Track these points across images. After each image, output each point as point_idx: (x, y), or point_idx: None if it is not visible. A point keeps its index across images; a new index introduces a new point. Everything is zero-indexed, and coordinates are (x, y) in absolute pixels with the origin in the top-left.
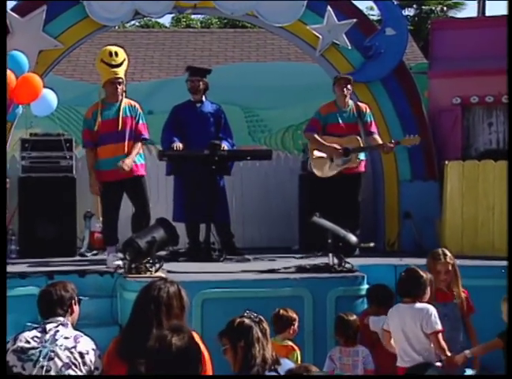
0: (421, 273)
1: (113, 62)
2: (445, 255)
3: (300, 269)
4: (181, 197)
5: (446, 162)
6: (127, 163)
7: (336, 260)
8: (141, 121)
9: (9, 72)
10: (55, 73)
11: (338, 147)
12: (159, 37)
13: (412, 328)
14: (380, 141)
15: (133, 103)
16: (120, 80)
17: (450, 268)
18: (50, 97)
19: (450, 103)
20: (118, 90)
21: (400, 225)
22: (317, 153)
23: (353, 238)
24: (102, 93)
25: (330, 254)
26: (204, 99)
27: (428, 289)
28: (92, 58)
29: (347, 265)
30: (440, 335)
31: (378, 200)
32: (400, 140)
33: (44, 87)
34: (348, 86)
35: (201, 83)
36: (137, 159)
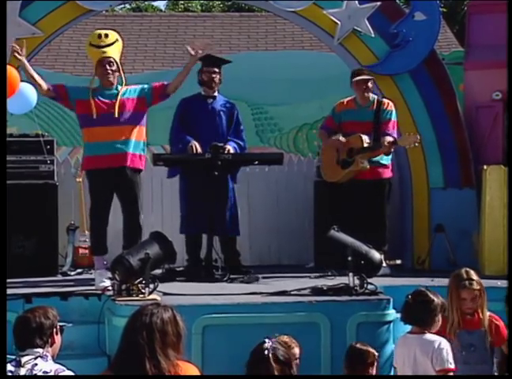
0: (431, 297)
1: (102, 43)
2: (471, 280)
3: (316, 291)
4: (183, 206)
5: (485, 166)
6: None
7: (357, 281)
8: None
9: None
10: (33, 63)
11: (342, 139)
12: (153, 22)
13: (422, 364)
14: (385, 142)
15: (133, 86)
16: (110, 59)
17: (477, 293)
18: (29, 92)
19: (490, 98)
20: (109, 71)
21: (431, 239)
22: (325, 153)
23: (377, 256)
24: (95, 83)
25: (350, 274)
26: (216, 94)
27: (439, 316)
28: (76, 46)
29: (369, 287)
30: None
31: (406, 210)
32: (397, 140)
33: (22, 81)
34: (369, 84)
35: (218, 75)
36: (139, 149)
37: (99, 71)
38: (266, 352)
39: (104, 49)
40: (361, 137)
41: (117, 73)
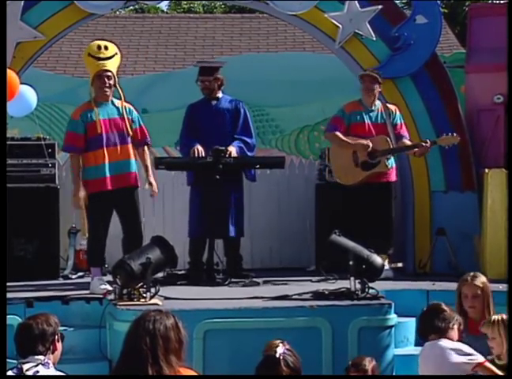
0: (445, 307)
1: (101, 55)
2: (474, 277)
3: (317, 295)
4: (191, 210)
5: (486, 170)
6: (155, 187)
7: (358, 285)
8: (142, 123)
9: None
10: (34, 65)
11: (365, 142)
12: (154, 23)
13: (439, 368)
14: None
15: (126, 104)
16: (109, 73)
17: (479, 292)
18: (29, 95)
19: (491, 101)
20: (107, 85)
21: (432, 243)
22: (338, 156)
23: (378, 260)
24: (92, 93)
25: (352, 278)
26: (220, 95)
27: (456, 326)
28: (78, 47)
29: (371, 291)
30: (488, 363)
31: (407, 213)
32: (436, 140)
33: (21, 83)
34: (376, 86)
35: (213, 82)
36: (132, 167)
37: (97, 84)
38: (278, 356)
39: (104, 62)
40: (386, 139)
41: (113, 88)
